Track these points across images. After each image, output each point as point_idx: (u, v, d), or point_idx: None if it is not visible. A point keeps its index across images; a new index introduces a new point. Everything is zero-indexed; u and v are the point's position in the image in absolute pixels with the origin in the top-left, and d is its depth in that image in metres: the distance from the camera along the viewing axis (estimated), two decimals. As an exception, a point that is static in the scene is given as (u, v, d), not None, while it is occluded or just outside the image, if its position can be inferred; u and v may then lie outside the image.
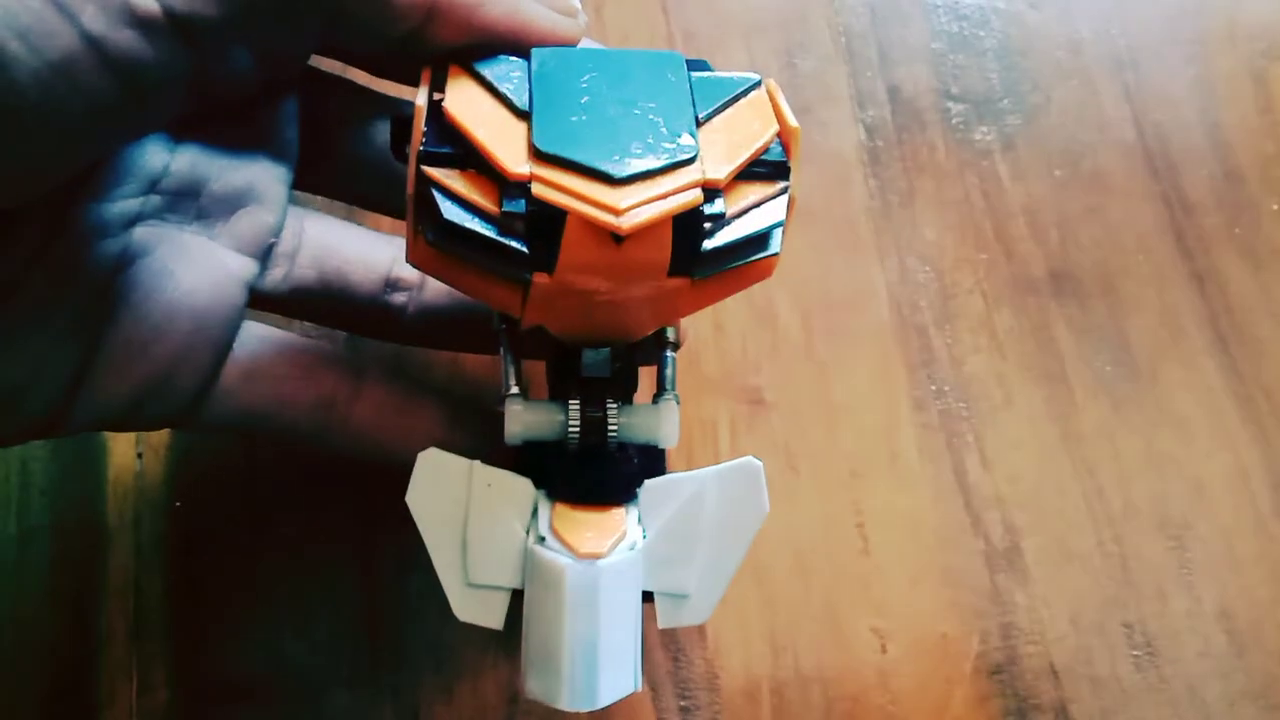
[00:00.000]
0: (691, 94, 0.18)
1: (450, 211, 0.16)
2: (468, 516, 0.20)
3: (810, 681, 0.27)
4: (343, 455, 0.23)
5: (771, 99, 0.18)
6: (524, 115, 0.17)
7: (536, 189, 0.16)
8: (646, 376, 0.29)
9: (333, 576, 0.27)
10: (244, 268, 0.21)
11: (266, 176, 0.21)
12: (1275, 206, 0.32)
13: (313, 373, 0.22)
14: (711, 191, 0.17)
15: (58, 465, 0.28)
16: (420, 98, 0.18)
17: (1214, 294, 0.31)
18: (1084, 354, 0.30)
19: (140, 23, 0.14)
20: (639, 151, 0.16)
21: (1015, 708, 0.27)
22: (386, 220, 0.27)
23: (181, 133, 0.20)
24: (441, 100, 0.17)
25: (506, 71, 0.18)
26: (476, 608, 0.20)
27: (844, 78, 0.33)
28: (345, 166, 0.23)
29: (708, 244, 0.17)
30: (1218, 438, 0.29)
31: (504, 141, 0.17)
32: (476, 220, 0.16)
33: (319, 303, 0.23)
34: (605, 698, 0.19)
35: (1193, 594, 0.28)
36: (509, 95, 0.17)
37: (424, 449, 0.20)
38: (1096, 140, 0.32)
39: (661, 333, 0.22)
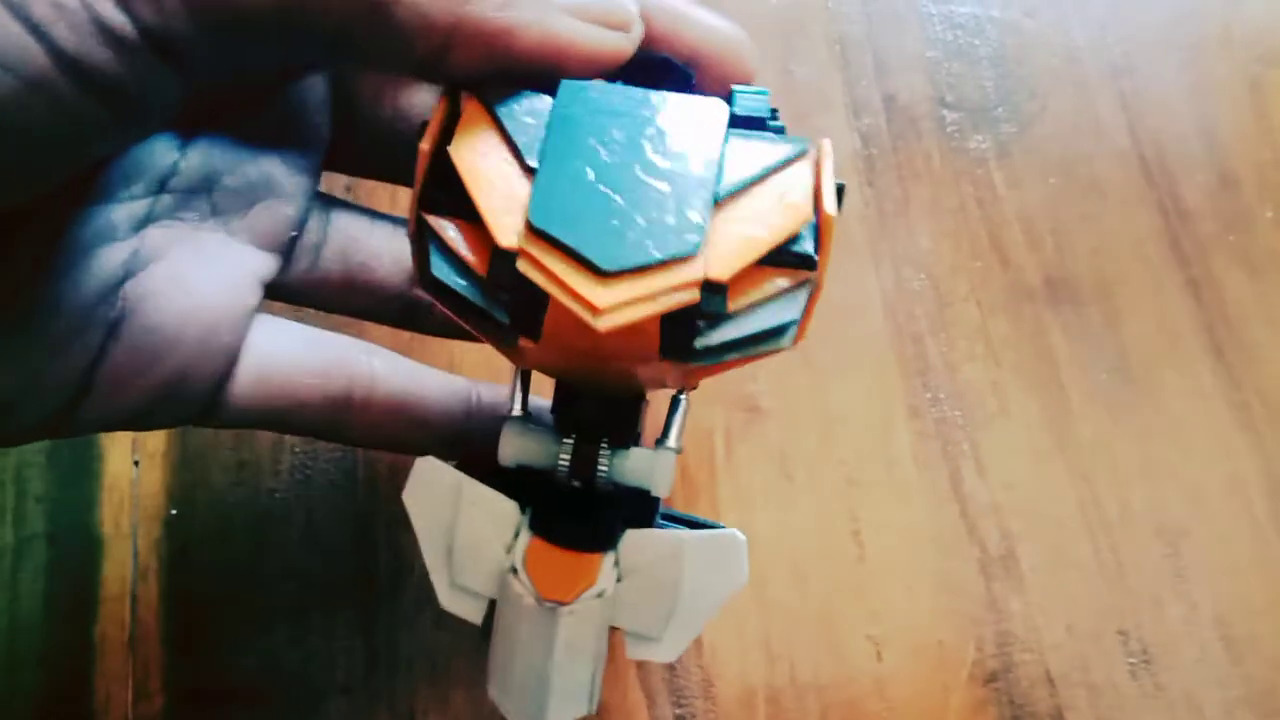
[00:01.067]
0: (721, 161, 0.16)
1: (439, 269, 0.16)
2: (455, 526, 0.20)
3: (806, 689, 0.27)
4: (360, 446, 0.23)
5: (818, 174, 0.17)
6: (531, 171, 0.16)
7: (522, 265, 0.15)
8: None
9: (328, 582, 0.27)
10: (262, 265, 0.21)
11: (287, 167, 0.21)
12: (1270, 213, 0.32)
13: (327, 372, 0.21)
14: (715, 286, 0.15)
15: (54, 473, 0.28)
16: (425, 137, 0.17)
17: (1210, 301, 0.31)
18: (1080, 361, 0.30)
19: (115, 41, 0.14)
20: (636, 237, 0.15)
21: (1011, 715, 0.27)
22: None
23: (194, 127, 0.20)
24: (449, 142, 0.16)
25: (524, 112, 0.16)
26: (459, 602, 0.20)
27: (839, 86, 0.33)
28: (377, 142, 0.22)
29: (701, 341, 0.16)
30: (1214, 445, 0.29)
31: (503, 202, 0.16)
32: (463, 282, 0.16)
33: (343, 295, 0.23)
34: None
35: (1189, 601, 0.28)
36: (520, 145, 0.16)
37: (439, 437, 0.21)
38: (1092, 148, 0.33)
39: None
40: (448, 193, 0.16)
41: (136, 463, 0.28)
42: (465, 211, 0.16)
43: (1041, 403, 0.30)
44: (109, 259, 0.19)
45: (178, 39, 0.15)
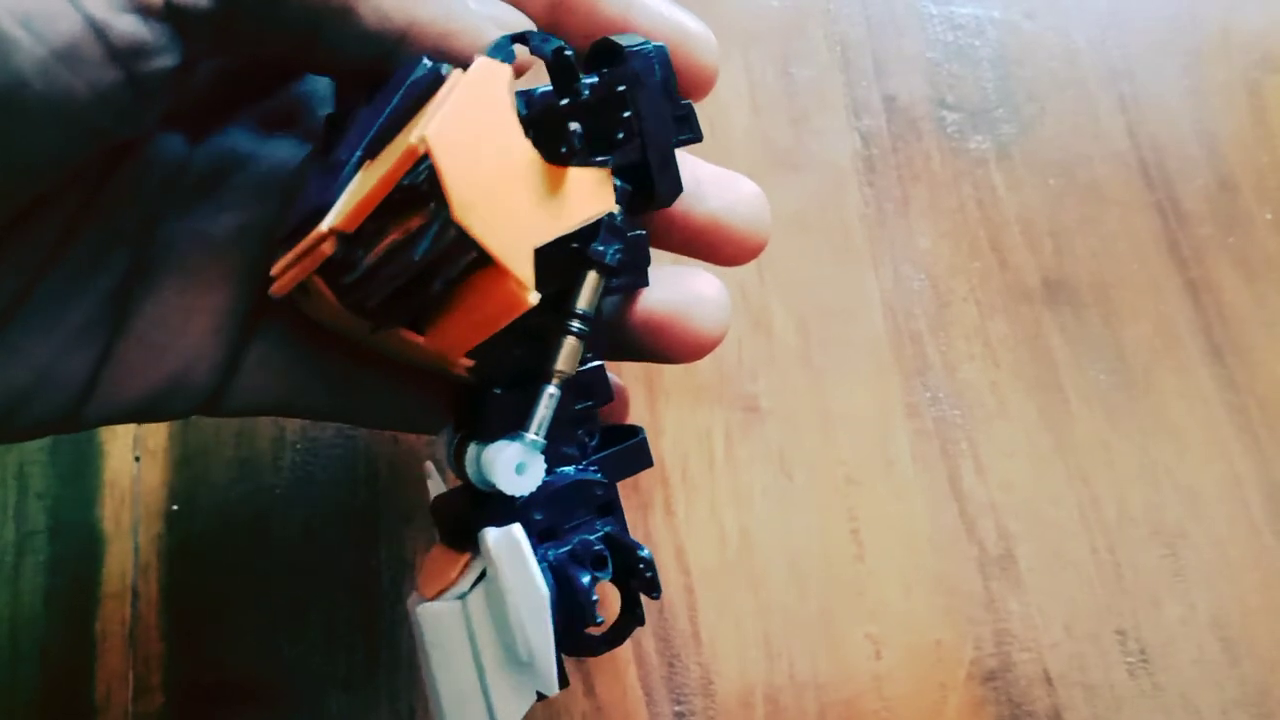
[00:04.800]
0: (387, 115, 0.16)
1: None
2: None
3: (805, 687, 0.27)
4: (368, 426, 0.23)
5: (468, 94, 0.16)
6: None
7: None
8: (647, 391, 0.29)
9: (329, 579, 0.27)
10: (254, 264, 0.21)
11: (292, 165, 0.21)
12: (1269, 216, 0.32)
13: (330, 354, 0.21)
14: (349, 237, 0.16)
15: (55, 469, 0.28)
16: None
17: (1208, 304, 0.31)
18: (1078, 363, 0.30)
19: (140, 8, 0.15)
20: (306, 207, 0.16)
21: (1009, 714, 0.27)
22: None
23: (204, 124, 0.20)
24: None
25: (352, 121, 0.18)
26: None
27: (840, 87, 0.33)
28: None
29: (356, 295, 0.16)
30: (1211, 447, 0.30)
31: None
32: None
33: None
34: None
35: (1186, 602, 0.28)
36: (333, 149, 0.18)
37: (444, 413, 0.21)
38: (1091, 150, 0.33)
39: (546, 361, 0.19)
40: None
41: (138, 459, 0.28)
42: None
43: (1040, 403, 0.30)
44: (118, 255, 0.19)
45: (191, 11, 0.15)
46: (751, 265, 0.31)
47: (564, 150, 0.17)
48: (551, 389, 0.18)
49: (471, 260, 0.16)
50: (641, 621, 0.20)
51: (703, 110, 0.32)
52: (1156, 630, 0.28)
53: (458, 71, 0.16)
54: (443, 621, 0.19)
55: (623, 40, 0.18)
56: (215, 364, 0.20)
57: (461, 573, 0.19)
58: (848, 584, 0.28)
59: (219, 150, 0.20)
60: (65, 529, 0.28)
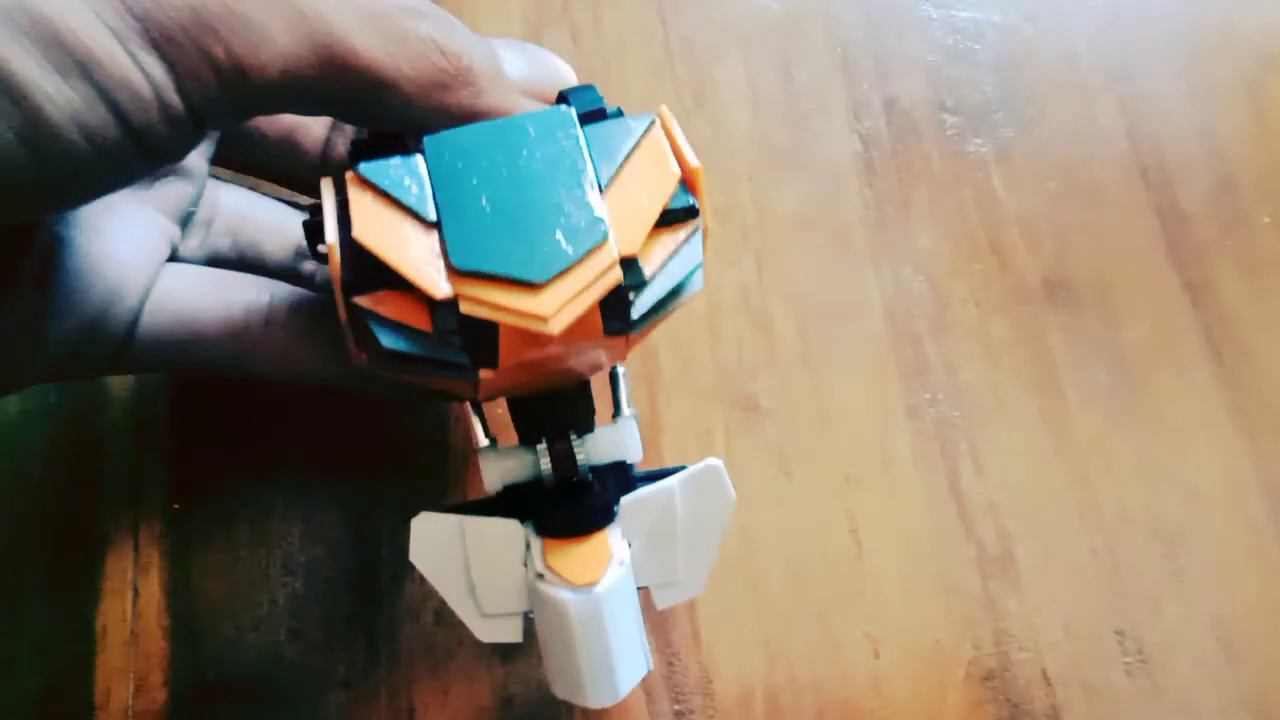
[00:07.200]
0: (590, 158, 0.18)
1: (389, 340, 0.17)
2: (469, 563, 0.22)
3: (803, 687, 0.27)
4: (261, 378, 0.24)
5: (670, 138, 0.19)
6: (433, 225, 0.18)
7: (465, 306, 0.17)
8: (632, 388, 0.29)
9: (329, 578, 0.28)
10: (168, 227, 0.24)
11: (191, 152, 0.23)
12: (1268, 218, 0.32)
13: (225, 305, 0.23)
14: (629, 261, 0.18)
15: (55, 467, 0.28)
16: (329, 216, 0.18)
17: (1207, 304, 0.31)
18: (1078, 363, 0.30)
19: (170, 118, 0.17)
20: (552, 245, 0.17)
21: (1008, 714, 0.27)
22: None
23: None
24: (349, 227, 0.18)
25: (402, 176, 0.18)
26: (495, 630, 0.22)
27: (840, 89, 0.33)
28: (254, 144, 0.25)
29: (636, 310, 0.18)
30: (1211, 447, 0.30)
31: (421, 260, 0.17)
32: (415, 344, 0.18)
33: (233, 268, 0.25)
34: (625, 689, 0.21)
35: (1186, 602, 0.28)
36: (413, 206, 0.18)
37: (333, 367, 0.23)
38: (1091, 151, 0.33)
39: None
40: (364, 272, 0.18)
41: (138, 457, 0.28)
42: (388, 283, 0.18)
43: (1040, 404, 0.30)
44: (48, 229, 0.21)
45: (211, 117, 0.17)
46: (752, 265, 0.31)
47: None
48: (623, 370, 0.23)
49: None
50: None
51: (703, 111, 0.33)
52: (1155, 630, 0.28)
53: (664, 109, 0.20)
54: (620, 593, 0.21)
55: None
56: (125, 309, 0.22)
57: (614, 544, 0.21)
58: (847, 583, 0.28)
59: None
60: (65, 526, 0.28)
